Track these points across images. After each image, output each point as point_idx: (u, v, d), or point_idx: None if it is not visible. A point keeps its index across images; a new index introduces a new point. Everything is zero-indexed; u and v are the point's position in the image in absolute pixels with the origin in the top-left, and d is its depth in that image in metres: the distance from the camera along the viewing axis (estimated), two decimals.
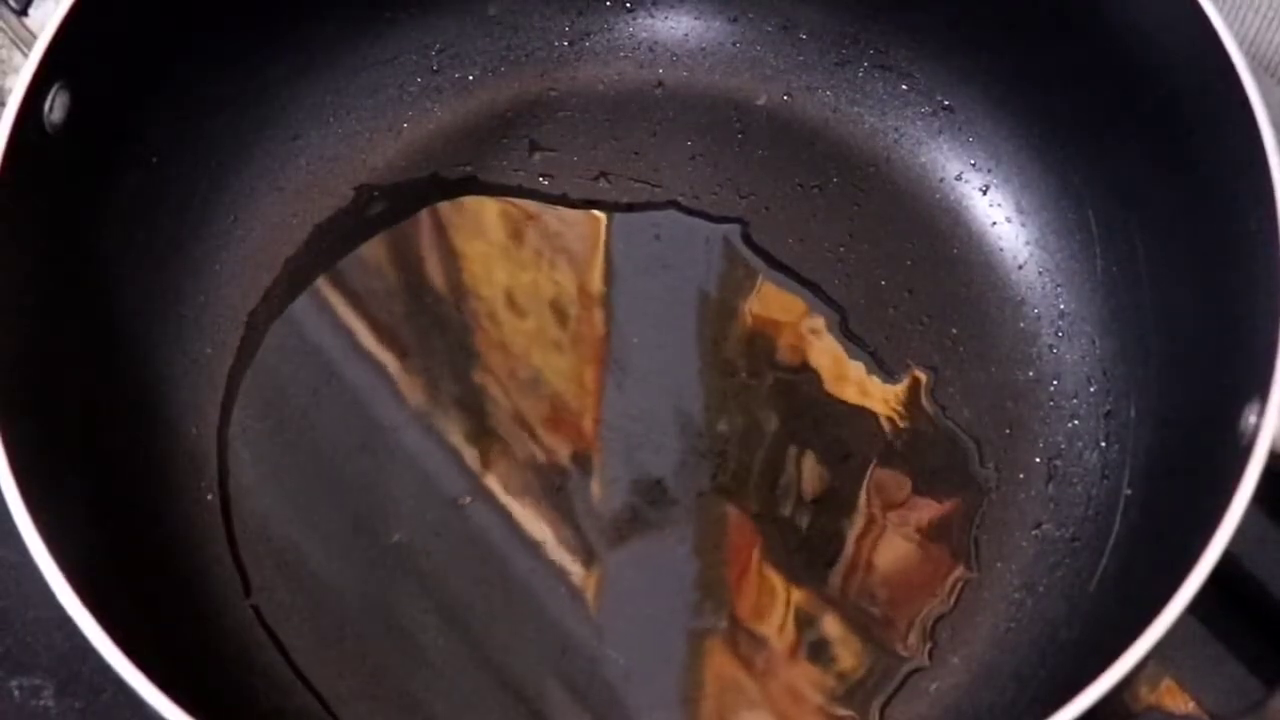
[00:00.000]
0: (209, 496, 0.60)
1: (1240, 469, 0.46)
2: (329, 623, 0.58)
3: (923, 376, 0.63)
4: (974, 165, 0.67)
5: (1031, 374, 0.62)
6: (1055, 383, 0.62)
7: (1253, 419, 0.47)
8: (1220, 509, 0.46)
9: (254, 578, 0.59)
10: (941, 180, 0.67)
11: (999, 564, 0.59)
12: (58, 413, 0.53)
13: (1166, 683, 0.56)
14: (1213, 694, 0.56)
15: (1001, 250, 0.65)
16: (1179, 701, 0.56)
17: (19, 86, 0.52)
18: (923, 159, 0.67)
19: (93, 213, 0.58)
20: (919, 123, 0.68)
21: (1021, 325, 0.64)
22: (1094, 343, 0.62)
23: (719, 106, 0.69)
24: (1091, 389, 0.61)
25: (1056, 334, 0.63)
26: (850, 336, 0.64)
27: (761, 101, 0.69)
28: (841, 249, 0.66)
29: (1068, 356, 0.62)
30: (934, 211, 0.66)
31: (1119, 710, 0.51)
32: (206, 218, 0.64)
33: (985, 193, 0.66)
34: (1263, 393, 0.47)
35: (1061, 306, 0.63)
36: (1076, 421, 0.61)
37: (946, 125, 0.67)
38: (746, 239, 0.66)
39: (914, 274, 0.65)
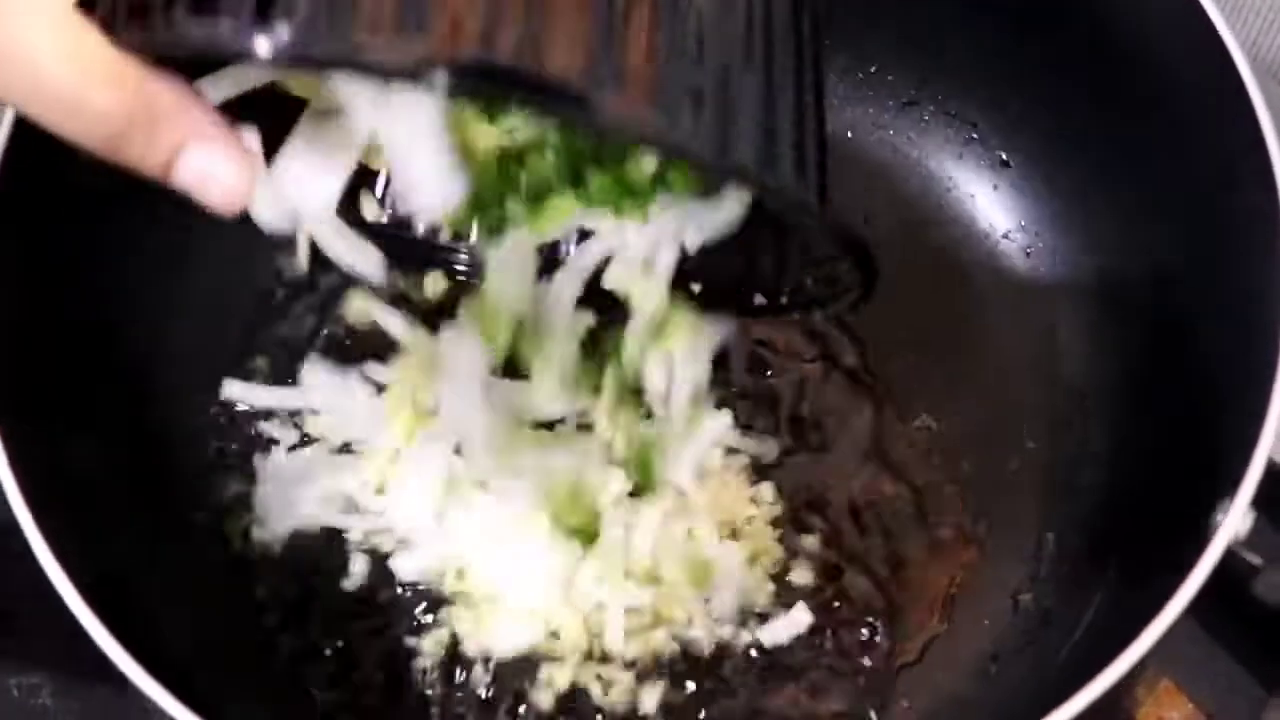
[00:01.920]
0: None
1: (1199, 555, 0.47)
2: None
3: (931, 425, 0.63)
4: (1022, 226, 0.67)
5: (1034, 446, 0.62)
6: (1060, 460, 0.62)
7: (1220, 517, 0.48)
8: (1173, 591, 0.47)
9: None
10: (987, 236, 0.67)
11: (971, 624, 0.59)
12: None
13: (1165, 684, 0.56)
14: (1212, 696, 0.57)
15: (1029, 314, 0.65)
16: (1177, 703, 0.56)
17: None
18: (972, 211, 0.68)
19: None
20: (975, 175, 0.68)
21: (1040, 398, 0.63)
22: (1101, 426, 0.62)
23: None
24: (1089, 471, 0.61)
25: (1072, 410, 0.63)
26: (867, 372, 0.64)
27: None
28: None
29: (1076, 437, 0.62)
30: (974, 267, 0.67)
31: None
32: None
33: (1029, 255, 0.66)
34: (1232, 492, 0.48)
35: (1080, 383, 0.63)
36: (1071, 501, 0.61)
37: (1001, 180, 0.67)
38: None
39: (940, 324, 0.65)
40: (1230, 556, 0.48)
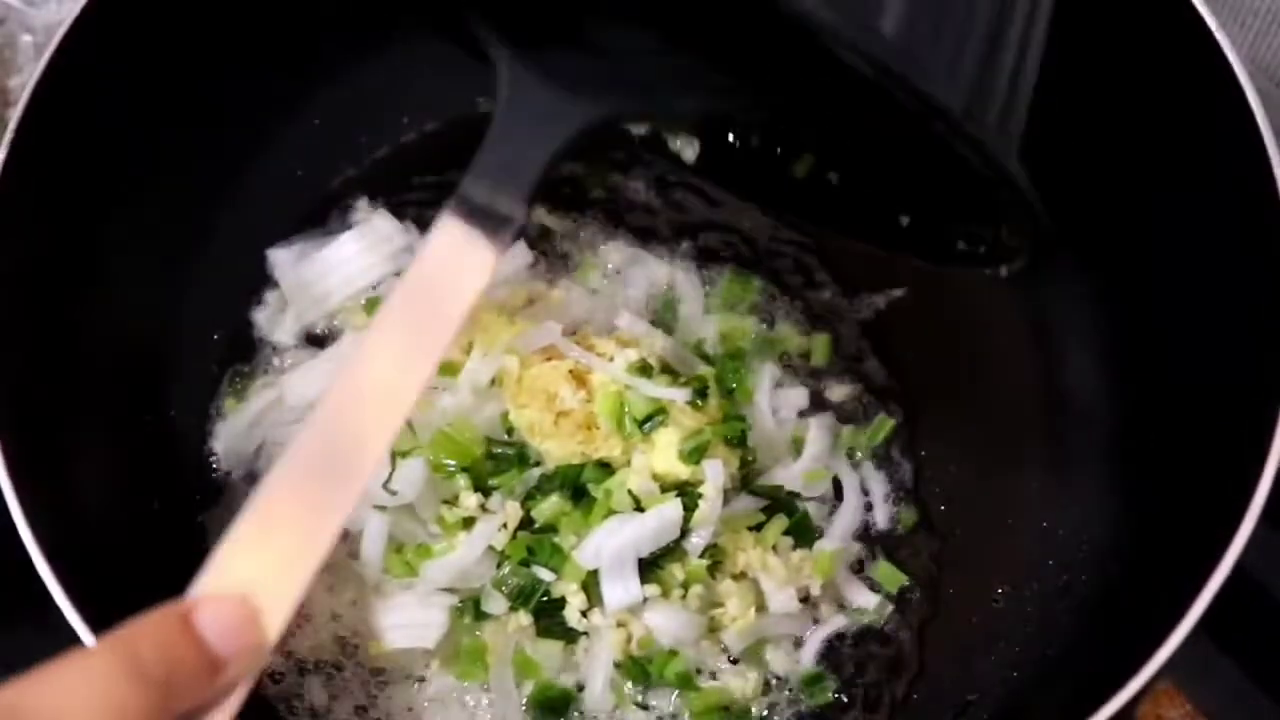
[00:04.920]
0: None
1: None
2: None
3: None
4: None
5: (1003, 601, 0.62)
6: (1026, 627, 0.61)
7: None
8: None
9: None
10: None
11: None
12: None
13: (1164, 687, 0.56)
14: (1211, 697, 0.57)
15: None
16: (1176, 706, 0.56)
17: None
18: None
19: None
20: None
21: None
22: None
23: None
24: (1048, 652, 0.59)
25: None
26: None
27: None
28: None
29: (1064, 615, 0.61)
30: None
31: None
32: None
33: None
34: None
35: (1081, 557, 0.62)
36: (1016, 673, 0.60)
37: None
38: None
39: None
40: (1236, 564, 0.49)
